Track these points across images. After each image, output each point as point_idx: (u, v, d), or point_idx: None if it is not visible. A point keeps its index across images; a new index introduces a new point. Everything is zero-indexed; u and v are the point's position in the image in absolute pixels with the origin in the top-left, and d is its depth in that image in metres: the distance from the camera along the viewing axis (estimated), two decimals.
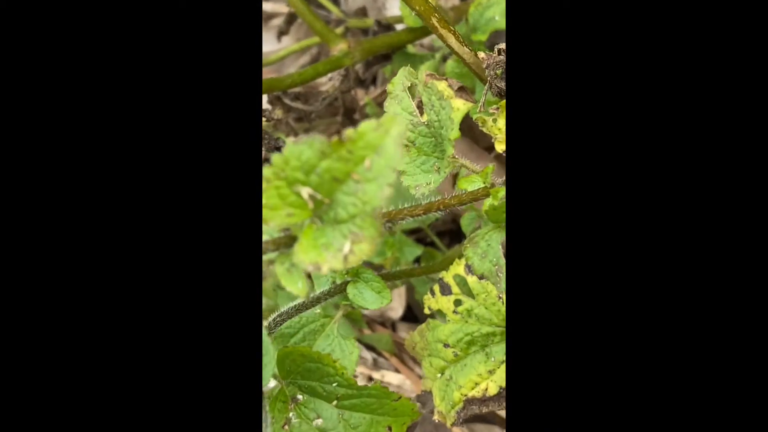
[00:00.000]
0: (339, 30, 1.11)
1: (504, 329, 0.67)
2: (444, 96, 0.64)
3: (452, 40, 0.68)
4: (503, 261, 0.62)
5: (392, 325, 1.12)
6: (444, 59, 1.00)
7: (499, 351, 0.69)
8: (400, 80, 0.68)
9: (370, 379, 1.08)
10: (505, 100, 0.61)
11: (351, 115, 0.97)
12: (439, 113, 0.65)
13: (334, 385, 0.64)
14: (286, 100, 0.92)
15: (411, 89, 0.67)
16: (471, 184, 0.63)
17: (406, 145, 0.66)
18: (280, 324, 0.67)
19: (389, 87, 0.68)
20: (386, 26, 1.05)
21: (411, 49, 1.08)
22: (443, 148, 0.65)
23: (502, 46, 0.67)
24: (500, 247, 0.62)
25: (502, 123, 0.61)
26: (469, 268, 0.65)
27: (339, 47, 0.95)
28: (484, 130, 0.62)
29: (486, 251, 0.63)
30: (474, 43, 0.96)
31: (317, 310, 0.73)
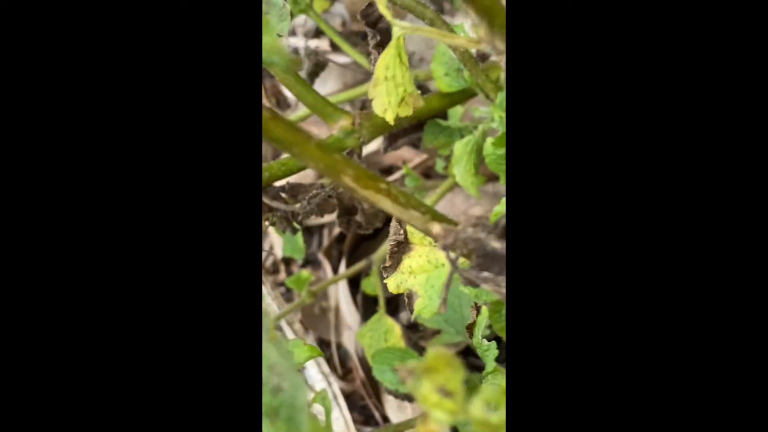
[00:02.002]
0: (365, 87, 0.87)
1: None
2: (295, 364, 0.39)
3: (387, 204, 0.43)
4: None
5: None
6: (487, 134, 0.74)
7: None
8: None
9: None
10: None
11: (352, 214, 0.73)
12: (294, 391, 0.39)
13: None
14: (266, 199, 0.68)
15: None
16: None
17: (267, 413, 0.41)
18: None
19: None
20: (419, 86, 0.80)
21: (456, 113, 0.83)
22: None
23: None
24: None
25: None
26: None
27: (340, 124, 0.71)
28: None
29: None
30: None
31: None
